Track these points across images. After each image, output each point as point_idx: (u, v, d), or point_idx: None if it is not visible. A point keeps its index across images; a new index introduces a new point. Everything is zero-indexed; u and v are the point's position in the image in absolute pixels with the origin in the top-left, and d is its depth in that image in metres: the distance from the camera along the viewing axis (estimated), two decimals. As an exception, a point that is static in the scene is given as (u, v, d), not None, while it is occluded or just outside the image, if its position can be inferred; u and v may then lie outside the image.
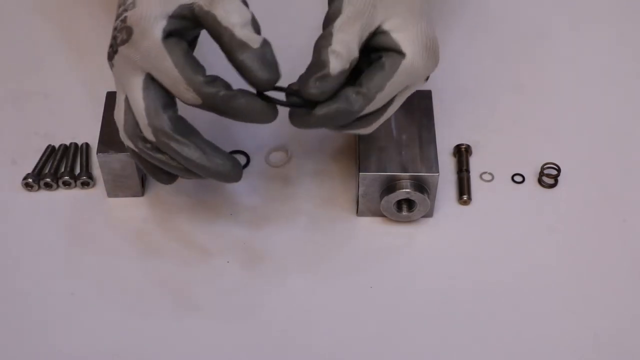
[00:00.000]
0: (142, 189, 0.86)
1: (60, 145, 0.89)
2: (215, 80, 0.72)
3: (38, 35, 0.98)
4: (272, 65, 0.71)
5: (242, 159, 0.88)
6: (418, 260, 0.83)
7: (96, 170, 0.87)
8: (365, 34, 0.73)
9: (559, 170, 0.87)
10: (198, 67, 0.72)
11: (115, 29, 0.73)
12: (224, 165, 0.73)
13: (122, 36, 0.72)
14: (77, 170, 0.87)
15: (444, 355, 0.78)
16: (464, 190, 0.86)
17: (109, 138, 0.83)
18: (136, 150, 0.75)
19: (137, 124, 0.73)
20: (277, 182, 0.87)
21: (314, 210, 0.85)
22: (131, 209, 0.85)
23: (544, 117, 0.92)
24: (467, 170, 0.87)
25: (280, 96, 0.73)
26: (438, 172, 0.81)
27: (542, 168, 0.87)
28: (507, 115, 0.92)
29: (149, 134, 0.73)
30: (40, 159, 0.88)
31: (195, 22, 0.73)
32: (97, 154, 0.82)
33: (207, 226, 0.84)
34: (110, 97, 0.86)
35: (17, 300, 0.80)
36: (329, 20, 0.74)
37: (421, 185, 0.82)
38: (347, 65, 0.72)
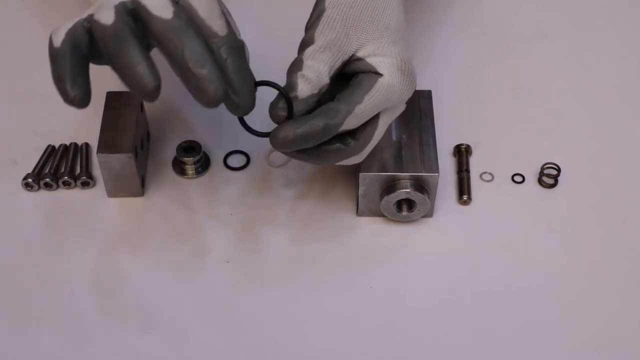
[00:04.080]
0: (142, 189, 0.86)
1: (60, 145, 0.89)
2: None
3: (38, 35, 0.98)
4: (241, 101, 0.72)
5: (242, 159, 0.88)
6: (418, 260, 0.83)
7: (96, 170, 0.87)
8: (338, 62, 0.75)
9: (559, 170, 0.87)
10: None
11: None
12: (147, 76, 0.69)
13: None
14: (77, 170, 0.88)
15: (444, 355, 0.78)
16: (464, 190, 0.86)
17: (109, 138, 0.83)
18: (109, 22, 0.69)
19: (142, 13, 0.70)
20: (277, 182, 0.87)
21: (314, 210, 0.85)
22: (131, 209, 0.85)
23: (544, 117, 0.92)
24: (467, 170, 0.87)
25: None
26: (438, 172, 0.81)
27: (542, 168, 0.87)
28: (507, 115, 0.92)
29: (167, 13, 0.69)
30: (40, 159, 0.88)
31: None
32: (97, 154, 0.82)
33: (207, 226, 0.84)
34: (110, 97, 0.86)
35: (17, 300, 0.80)
36: (302, 48, 0.76)
37: (421, 185, 0.82)
38: (316, 90, 0.74)
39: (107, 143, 0.83)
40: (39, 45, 0.98)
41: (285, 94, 0.74)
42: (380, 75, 0.75)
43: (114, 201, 0.86)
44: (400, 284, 0.81)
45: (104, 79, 0.94)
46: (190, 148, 0.87)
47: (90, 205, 0.86)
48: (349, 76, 0.77)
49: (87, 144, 0.89)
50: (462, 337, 0.79)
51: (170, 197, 0.86)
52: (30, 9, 1.01)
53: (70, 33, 0.71)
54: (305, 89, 0.74)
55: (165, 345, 0.78)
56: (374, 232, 0.84)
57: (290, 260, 0.82)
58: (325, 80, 0.75)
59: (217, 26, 0.72)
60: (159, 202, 0.86)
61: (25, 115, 0.92)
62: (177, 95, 0.93)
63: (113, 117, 0.84)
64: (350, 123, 0.74)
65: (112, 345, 0.78)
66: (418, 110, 0.86)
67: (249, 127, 0.75)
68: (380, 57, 0.76)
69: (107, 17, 0.70)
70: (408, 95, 0.77)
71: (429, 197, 0.82)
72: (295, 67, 0.75)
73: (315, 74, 0.74)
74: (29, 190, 0.86)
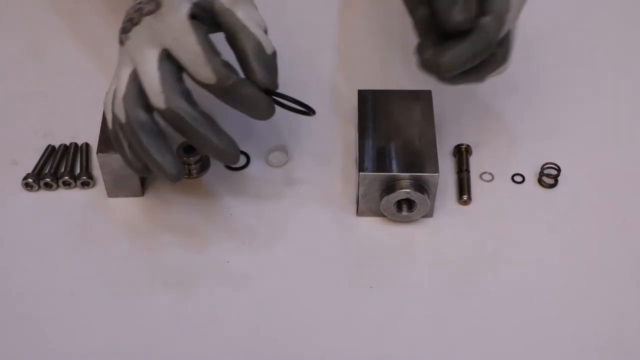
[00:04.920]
0: (142, 189, 0.86)
1: (60, 145, 0.89)
2: (230, 65, 0.74)
3: (38, 35, 0.98)
4: (275, 75, 0.75)
5: (242, 159, 0.88)
6: (418, 260, 0.83)
7: (96, 170, 0.87)
8: None
9: (559, 170, 0.87)
10: (216, 49, 0.74)
11: (139, 2, 0.75)
12: (227, 144, 0.75)
13: (149, 7, 0.74)
14: (77, 170, 0.88)
15: (444, 355, 0.78)
16: (464, 190, 0.86)
17: (109, 138, 0.83)
18: (124, 121, 0.74)
19: (140, 94, 0.74)
20: (277, 182, 0.87)
21: (314, 210, 0.85)
22: (131, 209, 0.85)
23: (544, 117, 0.92)
24: (467, 170, 0.87)
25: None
26: (438, 172, 0.81)
27: (542, 168, 0.87)
28: (507, 115, 0.92)
29: (159, 101, 0.73)
30: (40, 159, 0.88)
31: (213, 18, 0.75)
32: (97, 154, 0.82)
33: (207, 226, 0.84)
34: (110, 97, 0.86)
35: (17, 300, 0.80)
36: None
37: (421, 185, 0.82)
38: None
39: (107, 143, 0.82)
40: (40, 45, 0.98)
41: (301, 107, 0.76)
42: None
43: (114, 201, 0.86)
44: (400, 284, 0.81)
45: (104, 79, 0.94)
46: (190, 148, 0.87)
47: (90, 205, 0.86)
48: None
49: (87, 144, 0.89)
50: (462, 337, 0.79)
51: (170, 197, 0.86)
52: (30, 9, 1.00)
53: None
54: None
55: (165, 345, 0.78)
56: (374, 232, 0.84)
57: (290, 260, 0.82)
58: None
59: (202, 76, 0.73)
60: (159, 202, 0.86)
61: (25, 115, 0.92)
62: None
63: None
64: (503, 32, 0.75)
65: (112, 345, 0.78)
66: (418, 110, 0.86)
67: (278, 99, 0.76)
68: None
69: (118, 111, 0.74)
70: None
71: (429, 197, 0.82)
72: None
73: None
74: (29, 190, 0.86)
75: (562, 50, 0.98)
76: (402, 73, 0.90)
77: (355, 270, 0.82)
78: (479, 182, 0.87)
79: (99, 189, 0.86)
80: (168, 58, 0.74)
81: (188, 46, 0.73)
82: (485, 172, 0.88)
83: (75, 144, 0.89)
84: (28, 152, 0.88)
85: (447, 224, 0.85)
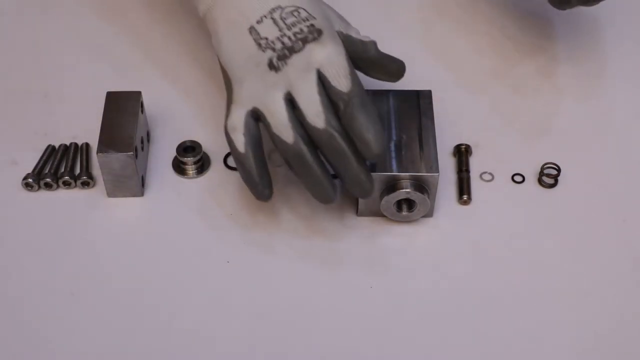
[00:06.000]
0: (142, 189, 0.86)
1: (60, 145, 0.89)
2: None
3: (38, 35, 0.98)
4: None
5: (242, 159, 0.88)
6: (418, 260, 0.83)
7: (96, 170, 0.87)
8: None
9: (559, 170, 0.87)
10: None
11: (298, 32, 0.79)
12: (367, 175, 0.78)
13: (313, 35, 0.79)
14: (77, 170, 0.87)
15: (444, 355, 0.78)
16: (464, 190, 0.86)
17: (109, 138, 0.83)
18: (291, 142, 0.78)
19: (300, 120, 0.78)
20: (277, 182, 0.87)
21: (314, 210, 0.85)
22: (131, 209, 0.85)
23: (544, 117, 0.92)
24: (467, 170, 0.87)
25: None
26: (438, 172, 0.81)
27: (542, 168, 0.87)
28: (507, 115, 0.92)
29: (319, 121, 0.77)
30: (40, 159, 0.88)
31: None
32: (97, 154, 0.82)
33: (207, 226, 0.84)
34: (110, 97, 0.86)
35: (17, 300, 0.80)
36: None
37: (421, 185, 0.82)
38: None
39: (107, 143, 0.83)
40: (39, 45, 0.98)
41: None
42: None
43: (114, 201, 0.86)
44: (400, 284, 0.81)
45: (104, 79, 0.94)
46: (190, 148, 0.87)
47: (90, 205, 0.86)
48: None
49: (87, 144, 0.89)
50: (462, 337, 0.79)
51: (170, 197, 0.86)
52: (30, 9, 1.00)
53: (248, 135, 0.79)
54: None
55: (165, 345, 0.78)
56: (374, 232, 0.84)
57: (290, 260, 0.82)
58: None
59: (342, 85, 0.78)
60: (159, 202, 0.86)
61: (25, 115, 0.92)
62: (177, 95, 0.93)
63: (113, 117, 0.84)
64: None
65: (112, 344, 0.78)
66: (418, 110, 0.86)
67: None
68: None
69: (286, 135, 0.78)
70: None
71: (429, 197, 0.82)
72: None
73: None
74: (29, 190, 0.86)
75: (562, 50, 0.98)
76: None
77: (355, 270, 0.82)
78: (479, 182, 0.87)
79: (99, 189, 0.86)
80: (321, 80, 0.78)
81: (339, 69, 0.78)
82: (485, 172, 0.88)
83: (75, 144, 0.89)
84: (28, 152, 0.88)
85: (447, 224, 0.85)
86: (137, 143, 0.84)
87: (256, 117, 0.80)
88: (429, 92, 0.87)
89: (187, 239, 0.84)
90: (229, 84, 0.82)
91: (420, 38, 0.98)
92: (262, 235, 0.84)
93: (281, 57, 0.79)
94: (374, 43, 0.83)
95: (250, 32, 0.80)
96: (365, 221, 0.85)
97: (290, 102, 0.79)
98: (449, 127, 0.90)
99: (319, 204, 0.84)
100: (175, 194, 0.86)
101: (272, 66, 0.79)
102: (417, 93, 0.86)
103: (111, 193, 0.86)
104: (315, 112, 0.77)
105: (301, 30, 0.79)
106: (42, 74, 0.95)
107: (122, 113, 0.85)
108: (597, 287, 0.81)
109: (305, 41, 0.79)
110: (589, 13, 1.01)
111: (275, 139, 0.79)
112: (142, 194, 0.86)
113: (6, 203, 0.86)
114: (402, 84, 0.88)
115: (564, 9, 0.89)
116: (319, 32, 0.79)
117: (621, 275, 0.82)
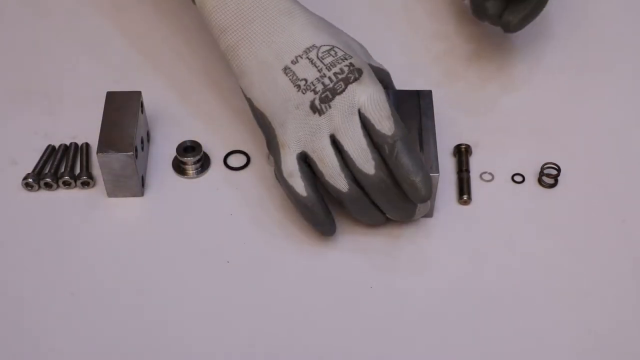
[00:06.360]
0: (142, 189, 0.86)
1: (60, 145, 0.89)
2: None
3: (38, 35, 0.98)
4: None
5: (242, 159, 0.88)
6: (418, 260, 0.83)
7: (96, 170, 0.87)
8: None
9: (559, 170, 0.87)
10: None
11: (338, 72, 0.79)
12: (411, 206, 0.80)
13: (354, 75, 0.79)
14: (77, 170, 0.87)
15: (444, 355, 0.78)
16: (464, 190, 0.86)
17: (109, 138, 0.83)
18: (346, 190, 0.79)
19: (348, 163, 0.79)
20: (277, 182, 0.87)
21: (314, 210, 0.85)
22: (131, 209, 0.85)
23: (544, 117, 0.92)
24: (467, 170, 0.87)
25: None
26: (438, 172, 0.81)
27: (542, 168, 0.87)
28: (507, 115, 0.92)
29: (369, 167, 0.78)
30: (40, 159, 0.88)
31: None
32: (97, 154, 0.82)
33: (207, 226, 0.84)
34: (110, 97, 0.86)
35: (17, 300, 0.80)
36: None
37: (421, 185, 0.82)
38: None
39: (107, 143, 0.83)
40: (39, 45, 0.98)
41: None
42: None
43: (114, 201, 0.86)
44: (400, 284, 0.81)
45: (104, 79, 0.94)
46: (190, 148, 0.87)
47: (90, 205, 0.86)
48: None
49: (87, 144, 0.89)
50: (462, 337, 0.79)
51: (170, 197, 0.86)
52: (30, 9, 1.00)
53: (305, 179, 0.80)
54: None
55: (165, 345, 0.78)
56: (374, 231, 0.84)
57: (289, 260, 0.82)
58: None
59: (385, 128, 0.78)
60: (159, 202, 0.86)
61: (25, 115, 0.92)
62: (177, 95, 0.93)
63: (113, 117, 0.84)
64: None
65: (112, 344, 0.78)
66: (418, 110, 0.86)
67: None
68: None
69: (341, 185, 0.79)
70: None
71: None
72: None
73: None
74: (29, 190, 0.86)
75: (561, 50, 0.98)
76: (402, 73, 0.90)
77: (355, 270, 0.82)
78: (479, 182, 0.87)
79: (99, 189, 0.86)
80: (363, 121, 0.79)
81: (382, 110, 0.78)
82: (485, 172, 0.88)
83: (75, 144, 0.89)
84: (28, 152, 0.88)
85: (447, 224, 0.85)
86: (137, 143, 0.84)
87: (304, 158, 0.80)
88: (429, 92, 0.87)
89: (187, 239, 0.84)
90: (269, 126, 0.81)
91: (421, 38, 0.98)
92: (262, 235, 0.84)
93: (324, 99, 0.78)
94: (388, 74, 0.85)
95: (286, 73, 0.79)
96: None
97: (335, 143, 0.79)
98: (449, 127, 0.90)
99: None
100: (175, 194, 0.86)
101: (315, 109, 0.79)
102: (417, 93, 0.86)
103: (111, 193, 0.86)
104: (365, 159, 0.78)
105: (342, 70, 0.79)
106: (42, 74, 0.95)
107: (122, 113, 0.85)
108: (597, 287, 0.81)
109: (347, 82, 0.79)
110: (589, 13, 1.01)
111: (329, 187, 0.79)
112: (142, 194, 0.86)
113: (6, 203, 0.86)
114: (403, 84, 0.88)
115: (483, 21, 0.91)
116: (359, 72, 0.79)
117: (621, 275, 0.82)
